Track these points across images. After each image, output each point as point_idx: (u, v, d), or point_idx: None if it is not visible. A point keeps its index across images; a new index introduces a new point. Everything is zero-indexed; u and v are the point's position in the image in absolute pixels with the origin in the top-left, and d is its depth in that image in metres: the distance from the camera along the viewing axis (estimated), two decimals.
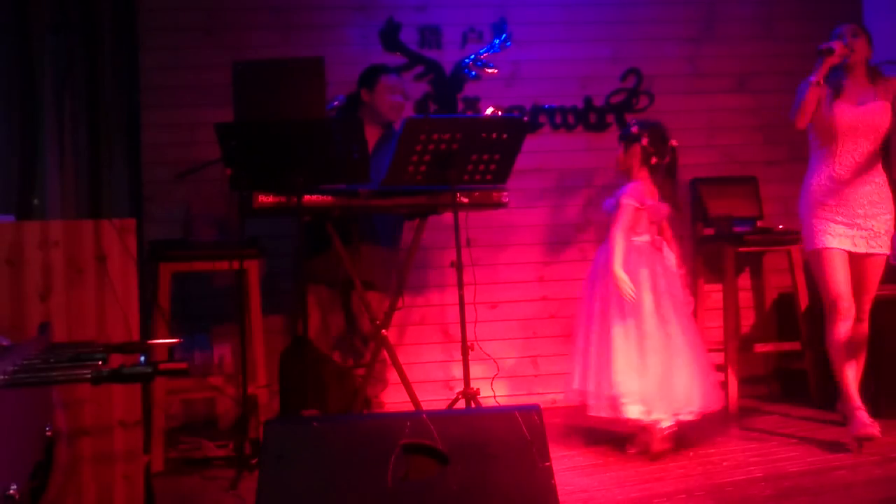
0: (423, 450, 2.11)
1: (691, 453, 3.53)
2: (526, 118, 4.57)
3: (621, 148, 3.69)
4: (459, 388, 3.40)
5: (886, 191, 3.59)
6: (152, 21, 4.31)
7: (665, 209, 3.65)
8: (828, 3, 4.89)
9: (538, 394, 4.54)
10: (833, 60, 3.50)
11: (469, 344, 3.33)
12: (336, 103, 3.73)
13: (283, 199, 3.29)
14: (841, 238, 3.53)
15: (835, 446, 3.52)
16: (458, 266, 3.33)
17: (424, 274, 4.50)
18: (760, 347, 4.66)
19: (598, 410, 3.44)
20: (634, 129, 3.64)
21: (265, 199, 3.29)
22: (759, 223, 4.66)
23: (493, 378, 4.35)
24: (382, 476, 2.09)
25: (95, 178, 4.04)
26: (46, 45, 3.98)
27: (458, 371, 4.11)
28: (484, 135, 3.29)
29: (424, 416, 2.16)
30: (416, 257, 3.72)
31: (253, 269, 3.75)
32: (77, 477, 2.70)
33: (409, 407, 3.49)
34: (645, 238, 3.59)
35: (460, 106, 4.61)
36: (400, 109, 3.88)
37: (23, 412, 1.70)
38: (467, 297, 3.38)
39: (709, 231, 4.63)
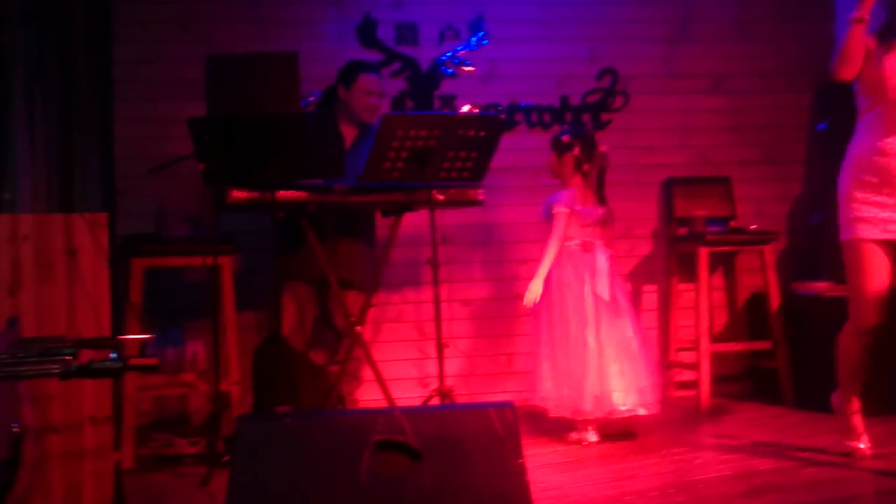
0: (396, 446, 2.10)
1: (664, 451, 3.55)
2: (503, 116, 4.57)
3: (553, 155, 3.86)
4: (434, 385, 3.40)
5: None
6: (126, 13, 4.26)
7: (596, 213, 3.82)
8: (801, 6, 4.94)
9: (513, 391, 4.54)
10: None
11: (444, 341, 3.33)
12: (312, 99, 3.70)
13: (256, 194, 3.26)
14: (883, 225, 2.97)
15: (805, 444, 3.56)
16: (434, 263, 3.33)
17: (400, 271, 4.49)
18: (732, 346, 4.70)
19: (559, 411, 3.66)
20: (566, 139, 3.83)
21: (239, 194, 3.26)
22: (731, 223, 4.71)
23: (468, 376, 4.36)
24: (355, 472, 2.08)
25: (67, 171, 3.99)
26: (18, 37, 3.92)
27: (432, 368, 4.11)
28: (461, 132, 3.29)
29: (397, 412, 2.15)
30: (392, 254, 3.71)
31: (227, 264, 3.72)
32: (45, 474, 2.66)
33: (384, 404, 3.48)
34: (576, 242, 3.77)
35: (436, 103, 4.60)
36: (374, 111, 3.84)
37: None
38: (442, 295, 3.38)
39: (682, 231, 4.67)
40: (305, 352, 3.89)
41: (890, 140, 2.93)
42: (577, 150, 3.79)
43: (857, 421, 3.29)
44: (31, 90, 3.92)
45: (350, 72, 3.86)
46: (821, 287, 4.30)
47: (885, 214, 2.95)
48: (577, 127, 4.07)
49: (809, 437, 3.61)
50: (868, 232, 2.97)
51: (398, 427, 2.11)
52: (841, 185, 3.07)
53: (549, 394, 3.70)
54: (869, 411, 3.63)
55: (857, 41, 2.91)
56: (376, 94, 3.89)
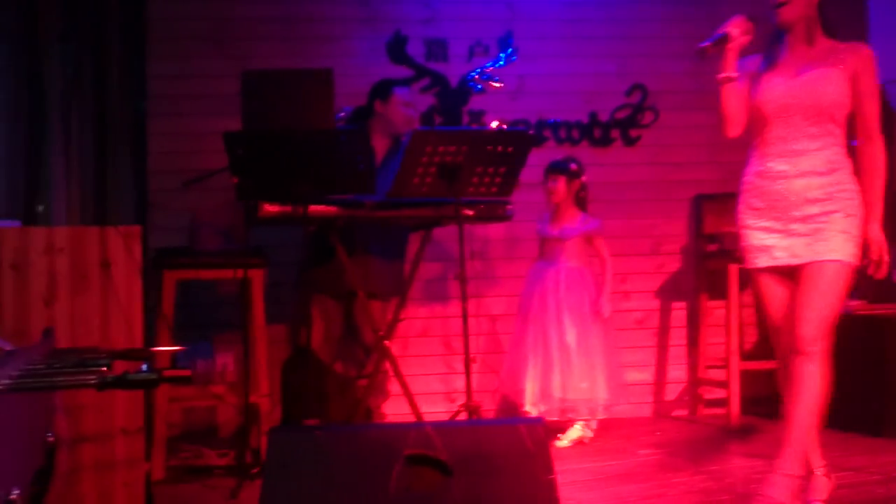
0: (427, 461, 2.10)
1: (692, 470, 3.51)
2: (531, 132, 4.58)
3: (561, 181, 4.09)
4: (461, 400, 3.39)
5: (843, 184, 2.74)
6: (161, 30, 4.33)
7: None
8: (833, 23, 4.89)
9: None
10: (739, 43, 2.80)
11: (471, 357, 3.32)
12: (342, 114, 3.74)
13: (288, 208, 3.29)
14: (770, 252, 2.81)
15: (838, 464, 3.50)
16: (462, 278, 3.33)
17: (428, 286, 4.50)
18: (762, 364, 4.64)
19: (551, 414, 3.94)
20: (574, 167, 4.12)
21: (271, 208, 3.29)
22: None
23: (495, 391, 4.34)
24: (385, 486, 2.08)
25: (101, 185, 4.06)
26: (54, 53, 4.00)
27: (459, 383, 4.11)
28: (490, 148, 3.30)
29: (428, 427, 2.15)
30: (420, 269, 3.72)
31: (257, 278, 3.75)
32: (77, 484, 2.69)
33: (411, 419, 3.48)
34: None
35: (465, 119, 4.62)
36: (413, 123, 3.91)
37: (25, 417, 1.70)
38: (470, 310, 3.38)
39: (711, 247, 4.64)
40: (333, 365, 3.91)
41: (772, 164, 2.79)
42: (584, 178, 4.14)
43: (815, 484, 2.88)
44: (67, 105, 4.00)
45: (384, 87, 3.90)
46: (853, 305, 4.24)
47: (771, 241, 2.80)
48: (566, 158, 4.24)
49: (843, 457, 3.55)
50: (760, 260, 2.83)
51: (429, 442, 2.11)
52: (736, 213, 2.93)
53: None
54: (888, 433, 3.54)
55: (729, 101, 2.81)
56: (413, 106, 3.94)
